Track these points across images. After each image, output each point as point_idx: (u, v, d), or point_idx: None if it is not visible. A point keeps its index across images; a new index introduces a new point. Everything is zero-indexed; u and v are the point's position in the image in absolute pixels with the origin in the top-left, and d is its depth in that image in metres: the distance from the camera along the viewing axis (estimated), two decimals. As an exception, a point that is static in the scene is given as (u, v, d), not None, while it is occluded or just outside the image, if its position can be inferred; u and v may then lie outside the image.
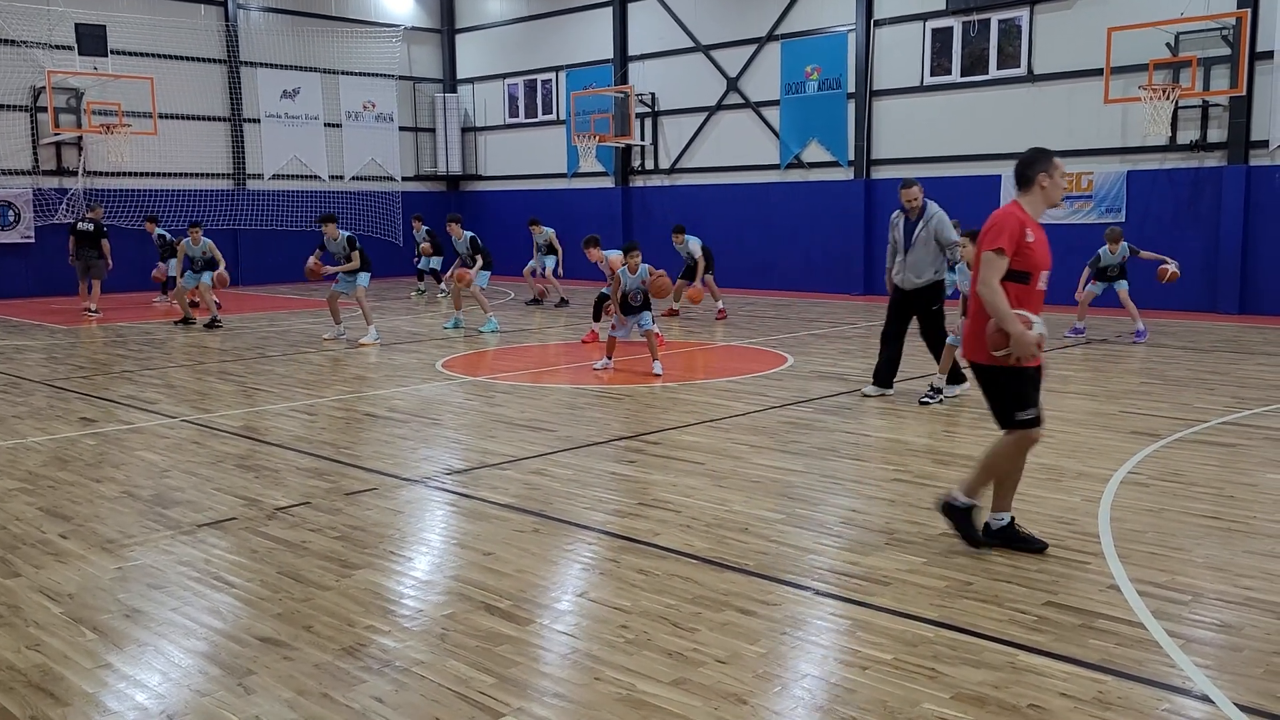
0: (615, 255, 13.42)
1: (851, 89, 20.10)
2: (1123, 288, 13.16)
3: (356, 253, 13.59)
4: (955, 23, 18.71)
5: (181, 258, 16.06)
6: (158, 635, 4.17)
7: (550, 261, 18.61)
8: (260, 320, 16.71)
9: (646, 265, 11.00)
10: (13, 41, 20.52)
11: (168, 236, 18.82)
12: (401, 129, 26.71)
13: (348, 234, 13.74)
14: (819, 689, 3.67)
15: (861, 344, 12.80)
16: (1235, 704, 3.50)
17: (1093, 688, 3.63)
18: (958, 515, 5.16)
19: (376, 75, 25.79)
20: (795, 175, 21.22)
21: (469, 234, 15.06)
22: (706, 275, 16.32)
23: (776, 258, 21.28)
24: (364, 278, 13.70)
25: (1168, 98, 15.66)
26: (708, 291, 16.37)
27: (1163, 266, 12.93)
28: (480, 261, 14.84)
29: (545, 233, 18.64)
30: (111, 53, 20.91)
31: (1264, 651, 3.93)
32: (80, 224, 17.82)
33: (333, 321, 14.10)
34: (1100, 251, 13.18)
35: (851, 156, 20.20)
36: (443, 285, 21.12)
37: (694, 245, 16.20)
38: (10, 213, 20.73)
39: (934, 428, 8.04)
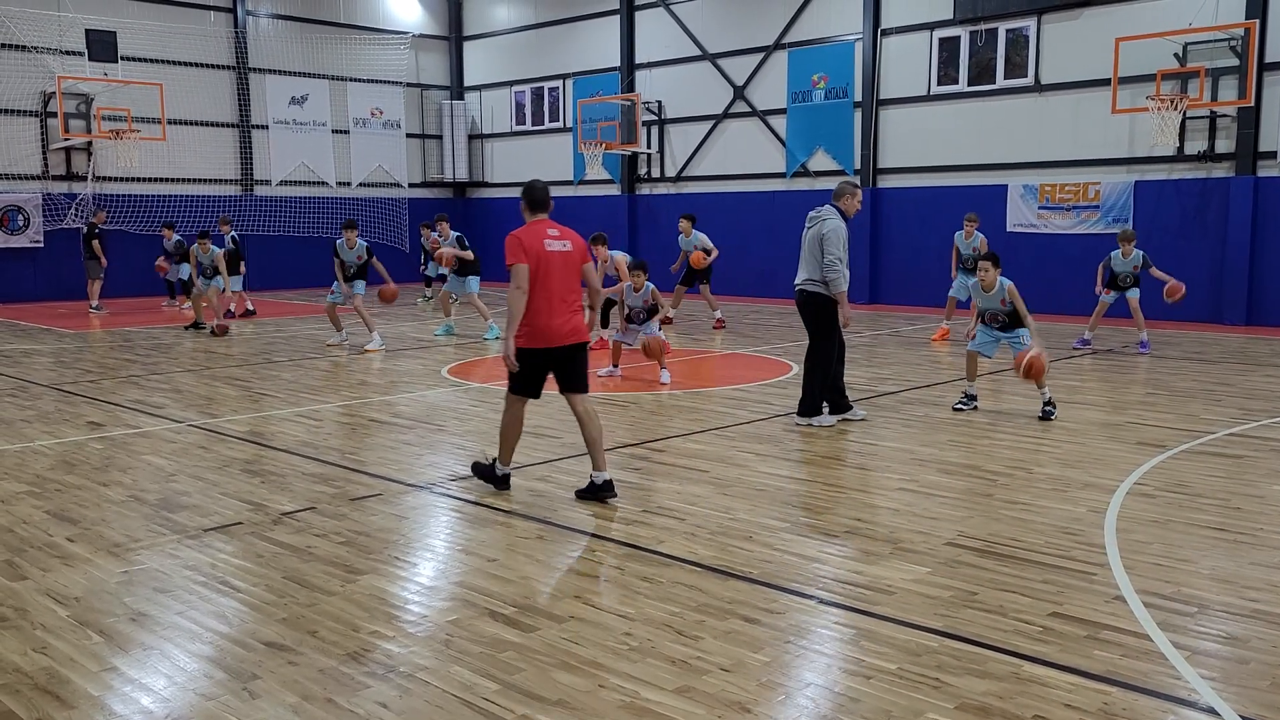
0: (621, 255, 13.39)
1: (858, 98, 20.11)
2: (1134, 296, 13.09)
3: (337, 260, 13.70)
4: (962, 32, 18.72)
5: (194, 263, 16.17)
6: (163, 639, 4.19)
7: None
8: (266, 326, 16.74)
9: (651, 287, 10.96)
10: (23, 47, 20.63)
11: (185, 244, 18.93)
12: (409, 136, 26.78)
13: (366, 242, 13.82)
14: (823, 698, 3.66)
15: (866, 353, 12.79)
16: (1241, 716, 3.49)
17: (1098, 699, 3.62)
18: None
19: (384, 82, 25.87)
20: (802, 184, 21.22)
21: (455, 234, 15.07)
22: (703, 285, 16.04)
23: (782, 266, 21.21)
24: (359, 285, 13.66)
25: (1175, 108, 15.65)
26: (704, 300, 16.26)
27: (1175, 284, 12.87)
28: (467, 265, 14.83)
29: None
30: (121, 59, 21.02)
31: (1270, 664, 3.92)
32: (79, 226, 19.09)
33: (334, 329, 14.13)
34: (1113, 254, 13.09)
35: (858, 165, 20.19)
36: (427, 292, 21.17)
37: (702, 238, 15.74)
38: (20, 217, 20.83)
39: (939, 437, 8.02)
